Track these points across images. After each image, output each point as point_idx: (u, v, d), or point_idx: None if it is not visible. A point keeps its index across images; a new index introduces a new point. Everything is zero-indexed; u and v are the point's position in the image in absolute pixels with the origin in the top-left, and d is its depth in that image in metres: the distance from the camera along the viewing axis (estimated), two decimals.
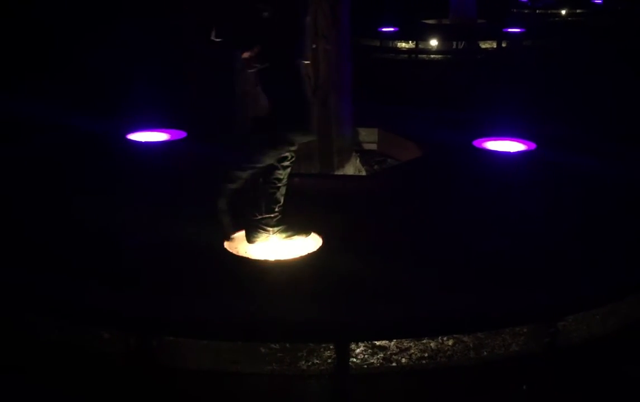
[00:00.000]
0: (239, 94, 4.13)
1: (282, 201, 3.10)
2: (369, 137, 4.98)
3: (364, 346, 2.45)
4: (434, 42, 10.81)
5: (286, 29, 2.91)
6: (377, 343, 2.46)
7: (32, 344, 2.57)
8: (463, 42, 10.91)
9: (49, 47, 9.10)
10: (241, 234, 3.17)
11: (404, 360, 2.45)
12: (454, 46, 10.90)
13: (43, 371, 2.47)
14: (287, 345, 2.42)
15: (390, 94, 7.25)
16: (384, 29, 11.50)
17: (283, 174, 3.09)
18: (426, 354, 2.47)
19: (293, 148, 3.06)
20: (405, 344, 2.46)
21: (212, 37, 2.93)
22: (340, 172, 4.18)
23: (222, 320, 2.53)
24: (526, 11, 16.57)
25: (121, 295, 2.69)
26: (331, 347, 2.43)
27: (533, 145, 4.59)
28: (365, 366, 2.44)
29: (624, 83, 7.77)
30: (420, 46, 10.76)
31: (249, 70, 2.99)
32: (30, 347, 2.57)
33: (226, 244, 3.11)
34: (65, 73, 7.94)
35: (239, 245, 3.12)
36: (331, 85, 4.04)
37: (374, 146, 4.98)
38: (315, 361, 2.42)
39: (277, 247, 3.08)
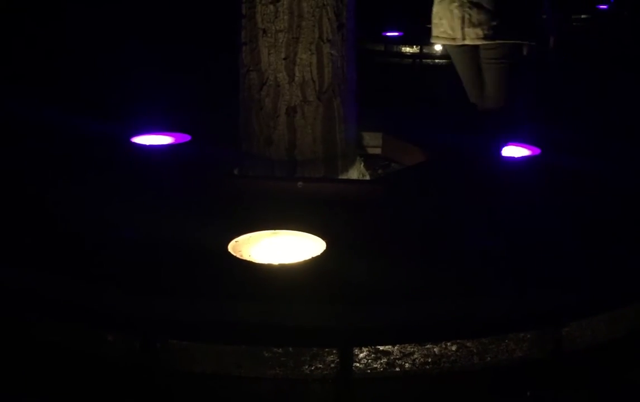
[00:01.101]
0: (243, 98, 4.15)
1: None
2: (373, 142, 4.97)
3: (367, 351, 2.45)
4: (438, 47, 10.81)
5: None
6: (381, 348, 2.45)
7: (33, 347, 2.58)
8: None
9: (52, 48, 9.14)
10: (245, 237, 3.17)
11: (407, 365, 2.45)
12: None
13: (44, 375, 2.48)
14: (291, 349, 2.42)
15: (395, 98, 7.25)
16: (389, 34, 11.51)
17: None
18: (429, 359, 2.46)
19: None
20: (408, 349, 2.46)
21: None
22: (344, 177, 4.18)
23: (225, 323, 2.53)
24: None
25: (124, 297, 2.69)
26: (334, 351, 2.43)
27: (537, 151, 4.59)
28: (369, 371, 2.44)
29: (627, 87, 7.76)
30: (425, 51, 10.77)
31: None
32: (31, 350, 2.57)
33: (229, 248, 3.11)
34: (68, 75, 7.97)
35: (243, 248, 3.12)
36: (336, 89, 4.05)
37: (378, 150, 4.97)
38: (319, 365, 2.42)
39: (280, 251, 3.08)
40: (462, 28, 3.23)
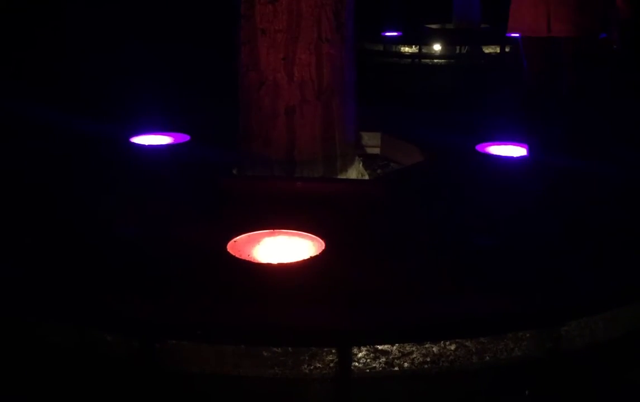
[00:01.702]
0: (241, 98, 4.15)
1: None
2: (372, 141, 4.98)
3: (366, 350, 2.45)
4: (437, 47, 10.82)
5: None
6: (380, 347, 2.46)
7: (32, 347, 2.58)
8: (466, 47, 10.91)
9: (51, 47, 9.13)
10: (244, 237, 3.18)
11: (406, 364, 2.45)
12: (457, 51, 10.91)
13: (43, 374, 2.48)
14: (290, 349, 2.42)
15: (394, 98, 7.26)
16: (388, 34, 11.52)
17: None
18: (428, 359, 2.46)
19: None
20: (407, 348, 2.46)
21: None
22: (343, 176, 4.18)
23: (224, 323, 2.53)
24: None
25: (123, 298, 2.69)
26: (333, 351, 2.43)
27: (536, 150, 4.59)
28: (368, 370, 2.44)
29: (623, 87, 7.76)
30: (424, 51, 10.77)
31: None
32: (30, 350, 2.57)
33: (229, 248, 3.11)
34: (67, 74, 7.96)
35: (242, 248, 3.12)
36: (335, 89, 4.05)
37: (377, 150, 4.98)
38: (318, 364, 2.42)
39: (279, 251, 3.09)
40: (548, 22, 3.59)
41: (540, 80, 3.82)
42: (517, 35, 4.06)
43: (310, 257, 3.03)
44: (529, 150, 4.47)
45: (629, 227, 3.41)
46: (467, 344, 2.49)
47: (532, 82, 3.88)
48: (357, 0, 4.21)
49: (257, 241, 3.19)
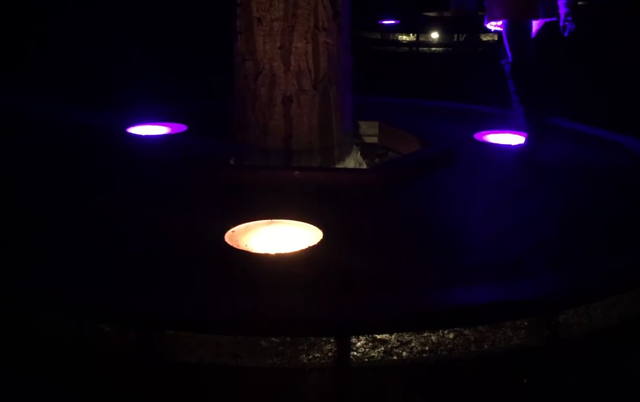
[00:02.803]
0: (238, 88, 4.13)
1: None
2: (369, 130, 4.97)
3: (364, 340, 2.45)
4: (434, 35, 10.79)
5: None
6: (378, 336, 2.46)
7: (31, 339, 2.57)
8: (464, 35, 10.88)
9: (48, 39, 9.09)
10: (242, 227, 3.17)
11: (404, 353, 2.45)
12: (455, 39, 10.88)
13: (42, 366, 2.47)
14: (288, 338, 2.42)
15: (391, 87, 7.24)
16: (385, 22, 11.48)
17: None
18: (427, 348, 2.46)
19: None
20: (406, 337, 2.46)
21: None
22: (340, 166, 4.17)
23: (222, 313, 2.52)
24: None
25: (121, 288, 2.68)
26: (332, 340, 2.43)
27: (532, 139, 4.57)
28: (366, 360, 2.44)
29: (621, 75, 7.75)
30: (421, 39, 10.74)
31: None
32: (30, 343, 2.56)
33: (226, 238, 3.10)
34: (64, 66, 7.93)
35: (240, 238, 3.12)
36: (332, 78, 4.03)
37: (374, 139, 4.96)
38: (316, 354, 2.42)
39: (277, 240, 3.08)
40: (539, 7, 4.02)
41: (525, 66, 4.14)
42: (498, 23, 4.25)
43: (308, 246, 3.02)
44: (522, 131, 4.49)
45: (626, 214, 3.41)
46: (465, 332, 2.49)
47: (518, 67, 4.18)
48: None
49: (254, 230, 3.18)
